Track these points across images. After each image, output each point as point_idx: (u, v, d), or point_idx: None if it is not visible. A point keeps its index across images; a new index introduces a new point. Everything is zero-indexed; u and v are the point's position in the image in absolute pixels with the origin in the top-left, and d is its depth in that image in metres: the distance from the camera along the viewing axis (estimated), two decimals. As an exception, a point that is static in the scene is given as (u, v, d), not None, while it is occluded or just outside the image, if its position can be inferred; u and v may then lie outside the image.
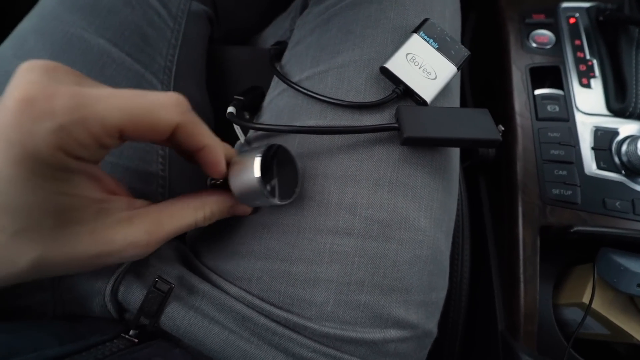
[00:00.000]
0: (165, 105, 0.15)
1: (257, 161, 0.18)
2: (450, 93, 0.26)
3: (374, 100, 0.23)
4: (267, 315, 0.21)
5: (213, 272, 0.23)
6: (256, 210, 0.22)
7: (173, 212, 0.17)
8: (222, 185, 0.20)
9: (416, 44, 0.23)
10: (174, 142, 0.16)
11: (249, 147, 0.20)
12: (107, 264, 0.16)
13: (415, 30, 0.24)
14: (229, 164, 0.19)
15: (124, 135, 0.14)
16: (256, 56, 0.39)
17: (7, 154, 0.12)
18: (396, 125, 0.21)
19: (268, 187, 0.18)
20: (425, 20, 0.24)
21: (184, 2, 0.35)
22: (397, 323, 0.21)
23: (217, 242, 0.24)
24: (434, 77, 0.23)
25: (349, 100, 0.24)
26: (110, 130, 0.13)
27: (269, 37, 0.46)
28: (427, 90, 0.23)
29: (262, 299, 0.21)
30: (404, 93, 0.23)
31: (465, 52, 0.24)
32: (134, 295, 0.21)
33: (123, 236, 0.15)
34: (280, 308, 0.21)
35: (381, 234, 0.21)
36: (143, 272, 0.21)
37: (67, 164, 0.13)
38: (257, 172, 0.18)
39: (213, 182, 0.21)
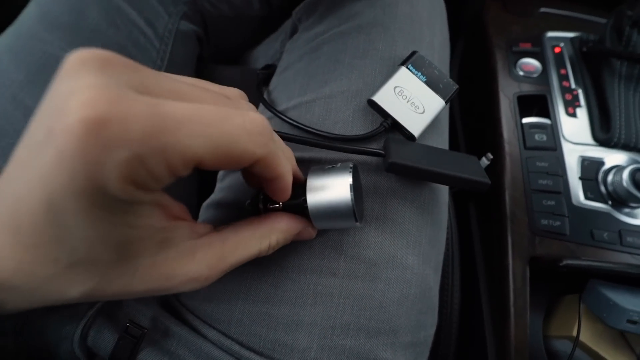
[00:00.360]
0: (251, 134, 0.13)
1: (349, 183, 0.17)
2: (439, 124, 0.26)
3: (361, 133, 0.23)
4: (247, 362, 0.19)
5: (191, 313, 0.21)
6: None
7: (238, 243, 0.16)
8: (281, 207, 0.18)
9: (404, 77, 0.23)
10: (247, 169, 0.15)
11: (317, 166, 0.19)
12: (159, 294, 0.15)
13: (404, 63, 0.24)
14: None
15: (201, 166, 0.12)
16: (247, 77, 0.38)
17: (69, 185, 0.10)
18: (382, 152, 0.21)
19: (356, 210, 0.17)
20: (414, 52, 0.24)
21: (171, 22, 0.34)
22: (384, 368, 0.20)
23: None
24: (422, 111, 0.23)
25: (336, 132, 0.23)
26: (190, 162, 0.12)
27: (260, 56, 0.46)
28: (415, 124, 0.22)
29: (241, 344, 0.20)
30: (391, 127, 0.23)
31: (453, 86, 0.24)
32: (105, 340, 0.19)
33: (185, 271, 0.14)
34: (260, 354, 0.20)
35: (367, 273, 0.21)
36: (116, 314, 0.20)
37: (136, 196, 0.11)
38: (350, 195, 0.17)
39: (273, 206, 0.19)
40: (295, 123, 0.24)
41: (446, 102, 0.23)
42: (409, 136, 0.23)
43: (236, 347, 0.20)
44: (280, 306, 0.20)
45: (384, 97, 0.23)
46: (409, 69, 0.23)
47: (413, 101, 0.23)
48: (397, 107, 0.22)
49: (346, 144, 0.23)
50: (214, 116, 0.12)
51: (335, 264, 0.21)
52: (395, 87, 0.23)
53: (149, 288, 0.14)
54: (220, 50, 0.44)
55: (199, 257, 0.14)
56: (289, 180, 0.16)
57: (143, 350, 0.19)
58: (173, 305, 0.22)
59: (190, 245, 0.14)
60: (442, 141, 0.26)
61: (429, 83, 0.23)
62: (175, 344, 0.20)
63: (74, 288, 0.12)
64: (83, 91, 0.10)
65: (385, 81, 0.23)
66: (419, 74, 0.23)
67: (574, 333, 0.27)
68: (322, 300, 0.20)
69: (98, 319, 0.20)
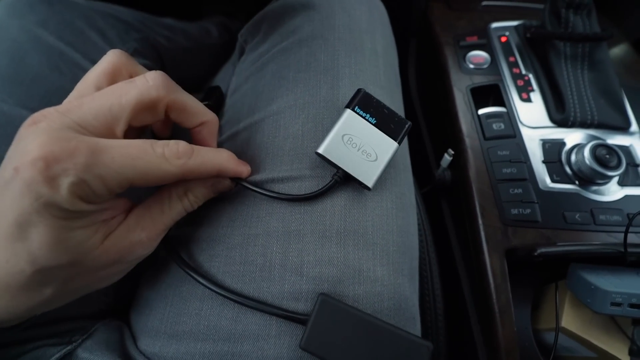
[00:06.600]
0: (169, 159, 0.17)
1: None
2: (396, 162, 0.24)
3: (313, 189, 0.21)
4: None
5: None
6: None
7: (162, 207, 0.19)
8: None
9: (352, 122, 0.21)
10: None
11: None
12: (121, 262, 0.18)
13: (349, 105, 0.21)
14: None
15: (133, 185, 0.16)
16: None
17: (33, 204, 0.14)
18: (304, 319, 0.18)
19: None
20: (359, 91, 0.22)
21: None
22: (363, 393, 0.19)
23: (153, 321, 0.21)
24: (374, 158, 0.21)
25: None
26: (123, 184, 0.16)
27: (217, 82, 0.46)
28: (367, 174, 0.20)
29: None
30: (343, 178, 0.21)
31: (405, 124, 0.22)
32: None
33: (128, 240, 0.17)
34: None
35: (332, 293, 0.19)
36: None
37: (83, 208, 0.15)
38: None
39: None
40: (250, 187, 0.21)
41: (399, 143, 0.21)
42: (364, 187, 0.21)
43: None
44: (242, 342, 0.19)
45: (333, 148, 0.20)
46: (356, 111, 0.21)
47: (364, 149, 0.21)
48: (348, 157, 0.20)
49: (298, 202, 0.21)
50: (139, 151, 0.16)
51: (297, 287, 0.19)
52: (343, 135, 0.21)
53: (109, 260, 0.17)
54: (182, 80, 0.44)
55: (132, 228, 0.18)
56: (227, 171, 0.20)
57: None
58: (131, 355, 0.20)
59: (124, 226, 0.18)
60: (402, 178, 0.25)
61: (379, 125, 0.21)
62: None
63: (45, 289, 0.15)
64: (38, 139, 0.14)
65: (332, 127, 0.21)
66: (368, 115, 0.21)
67: (564, 324, 0.26)
68: (287, 329, 0.19)
69: None
